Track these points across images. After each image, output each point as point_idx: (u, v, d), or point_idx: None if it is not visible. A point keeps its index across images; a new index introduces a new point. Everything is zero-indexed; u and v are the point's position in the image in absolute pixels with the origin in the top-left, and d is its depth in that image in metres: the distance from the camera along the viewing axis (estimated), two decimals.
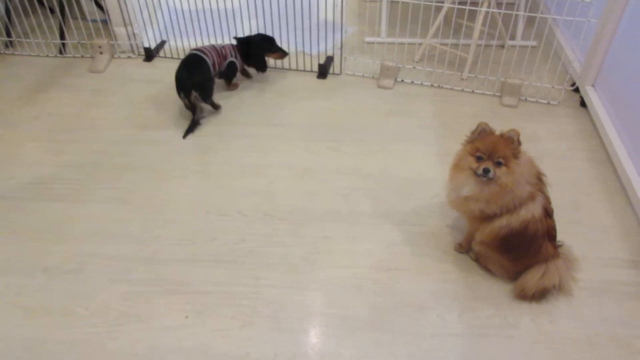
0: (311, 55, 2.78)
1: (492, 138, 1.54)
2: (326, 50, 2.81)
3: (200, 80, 2.33)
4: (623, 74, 2.18)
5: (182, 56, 2.82)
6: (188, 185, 2.09)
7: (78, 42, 2.85)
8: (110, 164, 2.18)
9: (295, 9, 2.57)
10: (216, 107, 2.46)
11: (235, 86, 2.62)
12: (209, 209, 1.98)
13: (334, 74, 2.72)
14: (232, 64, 2.50)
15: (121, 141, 2.30)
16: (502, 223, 1.56)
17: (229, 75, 2.56)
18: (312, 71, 2.72)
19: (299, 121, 2.41)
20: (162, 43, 2.95)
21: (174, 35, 2.85)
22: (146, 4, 2.81)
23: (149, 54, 2.84)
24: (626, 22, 2.16)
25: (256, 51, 2.53)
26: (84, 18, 2.91)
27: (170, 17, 2.86)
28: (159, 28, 2.96)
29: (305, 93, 2.59)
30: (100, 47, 2.77)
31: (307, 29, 2.65)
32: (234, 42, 2.54)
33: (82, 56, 2.85)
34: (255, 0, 2.64)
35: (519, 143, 1.53)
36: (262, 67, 2.58)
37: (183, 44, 2.85)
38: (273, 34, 2.59)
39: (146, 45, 2.84)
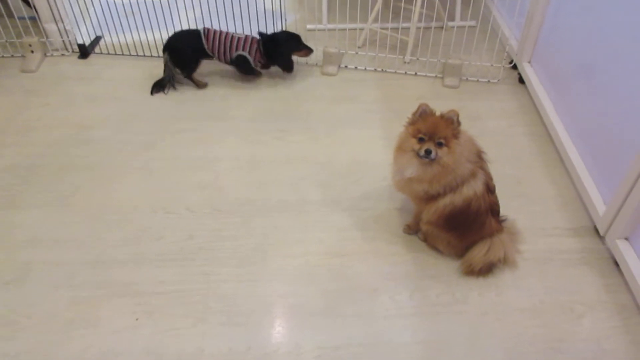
0: None
1: (433, 119, 1.56)
2: None
3: (177, 46, 2.41)
4: (556, 50, 2.25)
5: (118, 52, 2.74)
6: (131, 183, 2.03)
7: (7, 41, 2.71)
8: (48, 167, 2.09)
9: None
10: (197, 84, 2.49)
11: (259, 74, 2.57)
12: (155, 206, 1.93)
13: None
14: (241, 57, 2.44)
15: (58, 142, 2.21)
16: (446, 202, 1.59)
17: (240, 68, 2.51)
18: None
19: (244, 113, 2.38)
20: (98, 39, 2.84)
21: (109, 30, 2.75)
22: None
23: (84, 51, 2.73)
24: None
25: (284, 50, 2.46)
26: (10, 15, 2.76)
27: (104, 12, 2.76)
28: (92, 23, 2.84)
29: (250, 83, 2.56)
30: (30, 45, 2.65)
31: (247, 18, 2.61)
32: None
33: (12, 56, 2.71)
34: None
35: (459, 123, 1.56)
36: (289, 67, 2.52)
37: (119, 39, 2.75)
38: (212, 24, 2.54)
39: (80, 41, 2.73)
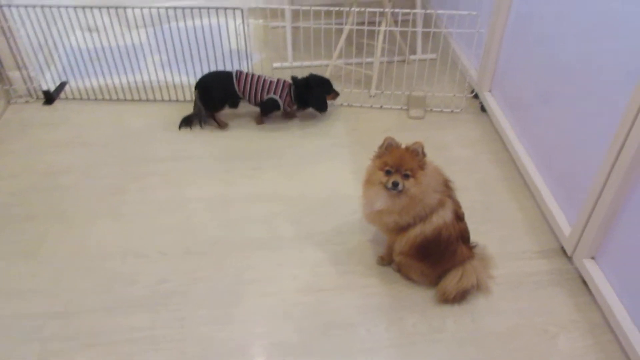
0: None
1: (398, 152, 1.59)
2: None
3: (207, 85, 2.45)
4: (513, 78, 2.34)
5: (84, 97, 2.73)
6: (100, 229, 2.00)
7: None
8: (12, 217, 2.05)
9: (198, 41, 2.55)
10: (219, 124, 2.52)
11: (261, 121, 2.58)
12: (125, 251, 1.90)
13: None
14: (270, 100, 2.47)
15: (23, 191, 2.17)
16: (417, 232, 1.62)
17: (264, 110, 2.53)
18: None
19: (213, 152, 2.39)
20: (63, 84, 2.83)
21: (75, 75, 2.75)
22: (40, 46, 2.68)
23: (49, 97, 2.71)
24: (510, 30, 2.32)
25: (319, 92, 2.51)
26: None
27: (69, 58, 2.76)
28: (57, 69, 2.84)
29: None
30: None
31: (213, 59, 2.64)
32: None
33: None
34: (156, 35, 2.60)
35: (424, 154, 1.59)
36: (324, 107, 2.55)
37: (85, 84, 2.75)
38: (179, 66, 2.57)
39: (45, 87, 2.72)
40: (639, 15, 1.47)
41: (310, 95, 2.50)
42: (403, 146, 1.60)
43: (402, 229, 1.65)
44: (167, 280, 1.80)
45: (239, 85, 2.44)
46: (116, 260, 1.87)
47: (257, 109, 2.54)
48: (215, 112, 2.53)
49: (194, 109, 2.51)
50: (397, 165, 1.57)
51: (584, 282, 1.74)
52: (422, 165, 1.58)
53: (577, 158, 1.82)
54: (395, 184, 1.55)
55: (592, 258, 1.72)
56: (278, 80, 2.47)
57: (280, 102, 2.48)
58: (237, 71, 2.46)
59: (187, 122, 2.52)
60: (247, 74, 2.45)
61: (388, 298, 1.74)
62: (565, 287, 1.76)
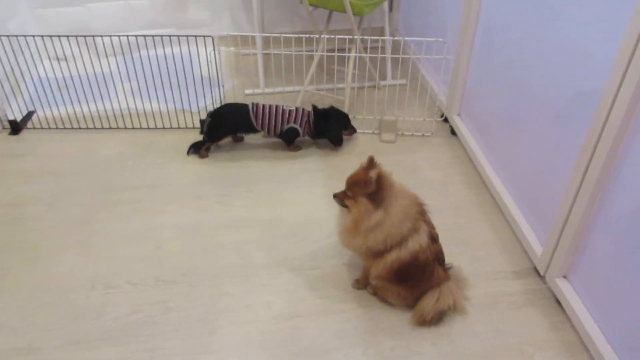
0: (192, 112, 2.76)
1: (358, 171, 1.63)
2: (206, 106, 2.81)
3: (221, 115, 2.44)
4: (481, 102, 2.39)
5: (52, 126, 2.68)
6: (68, 260, 1.94)
7: None
8: None
9: (169, 69, 2.54)
10: (201, 154, 2.50)
11: (298, 148, 2.57)
12: (93, 283, 1.84)
13: None
14: (291, 130, 2.46)
15: None
16: (393, 257, 1.61)
17: (287, 140, 2.52)
18: (195, 128, 2.69)
19: (184, 179, 2.36)
20: (30, 114, 2.78)
21: (42, 104, 2.70)
22: (6, 75, 2.64)
23: (15, 127, 2.66)
24: (476, 56, 2.38)
25: (336, 126, 2.50)
26: None
27: (36, 87, 2.71)
28: (24, 99, 2.79)
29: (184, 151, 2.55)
30: None
31: (185, 87, 2.63)
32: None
33: None
34: (126, 62, 2.58)
35: (369, 185, 1.55)
36: (339, 141, 2.54)
37: (53, 113, 2.70)
38: (149, 94, 2.55)
39: (11, 117, 2.66)
40: (596, 42, 1.53)
41: (329, 127, 2.50)
42: (370, 171, 1.59)
43: (376, 254, 1.64)
44: (138, 311, 1.75)
45: (256, 118, 2.43)
46: (83, 293, 1.81)
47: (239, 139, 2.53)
48: (215, 142, 2.52)
49: (204, 136, 2.51)
50: (348, 183, 1.62)
51: (558, 302, 1.75)
52: (364, 194, 1.56)
53: (545, 179, 1.85)
54: (334, 196, 1.63)
55: (564, 277, 1.74)
56: (297, 109, 2.47)
57: (301, 131, 2.47)
58: (252, 104, 2.44)
59: (195, 147, 2.51)
60: (263, 106, 2.44)
61: (365, 322, 1.72)
62: (540, 306, 1.76)
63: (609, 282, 1.52)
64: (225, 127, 2.48)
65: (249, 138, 2.60)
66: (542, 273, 1.82)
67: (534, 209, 1.95)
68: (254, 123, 2.44)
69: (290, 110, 2.45)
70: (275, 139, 2.56)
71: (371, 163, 1.62)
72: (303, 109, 2.49)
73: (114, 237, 2.05)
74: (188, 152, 2.51)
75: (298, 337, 1.67)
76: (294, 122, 2.45)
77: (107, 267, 1.91)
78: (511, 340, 1.66)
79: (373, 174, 1.56)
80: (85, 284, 1.84)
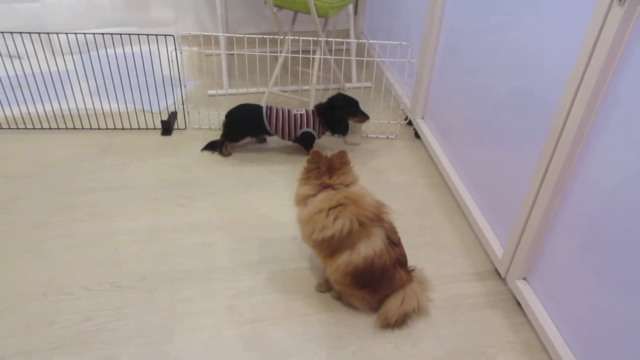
0: (152, 112, 2.69)
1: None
2: (167, 106, 2.75)
3: (235, 116, 2.40)
4: (444, 106, 2.41)
5: (5, 126, 2.58)
6: (20, 266, 1.85)
7: None
8: None
9: (128, 68, 2.47)
10: (223, 153, 2.48)
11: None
12: (46, 289, 1.77)
13: (178, 129, 2.65)
14: (306, 134, 2.40)
15: None
16: (345, 260, 1.59)
17: (303, 144, 2.45)
18: (155, 129, 2.63)
19: (144, 182, 2.29)
20: None
21: None
22: None
23: None
24: (439, 61, 2.40)
25: (341, 114, 2.40)
26: None
27: None
28: None
29: (150, 152, 2.48)
30: None
31: (146, 86, 2.57)
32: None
33: None
34: (83, 61, 2.50)
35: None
36: (344, 130, 2.45)
37: (6, 112, 2.59)
38: (107, 94, 2.47)
39: None
40: (554, 49, 1.56)
41: (332, 117, 2.41)
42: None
43: (324, 251, 1.63)
44: (92, 318, 1.68)
45: (269, 122, 2.37)
46: (35, 300, 1.73)
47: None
48: (233, 142, 2.47)
49: (221, 136, 2.47)
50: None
51: (518, 303, 1.77)
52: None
53: (506, 183, 1.87)
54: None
55: (524, 279, 1.76)
56: (307, 112, 2.41)
57: (315, 134, 2.42)
58: (266, 107, 2.39)
59: (210, 146, 2.48)
60: (277, 110, 2.39)
61: (328, 325, 1.70)
62: (501, 308, 1.78)
63: (567, 284, 1.55)
64: (240, 128, 2.43)
65: (207, 141, 2.54)
66: (503, 275, 1.85)
67: (495, 212, 1.97)
68: (267, 126, 2.39)
69: (301, 115, 2.40)
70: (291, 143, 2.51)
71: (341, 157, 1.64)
72: (313, 111, 2.43)
73: (68, 241, 1.97)
74: (202, 149, 2.49)
75: (260, 341, 1.64)
76: (307, 126, 2.40)
77: (61, 273, 1.83)
78: (473, 342, 1.67)
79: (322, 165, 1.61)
80: (37, 291, 1.76)
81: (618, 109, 1.30)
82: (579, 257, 1.49)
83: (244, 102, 2.46)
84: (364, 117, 2.46)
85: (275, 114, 2.38)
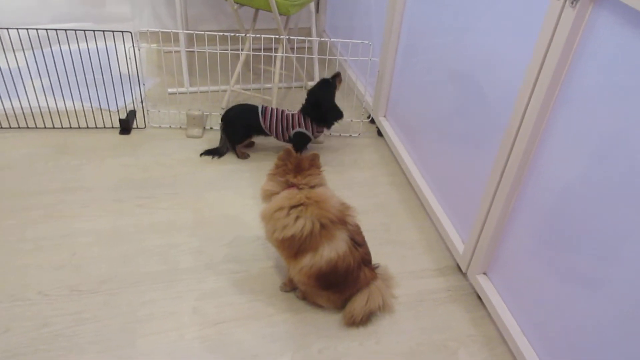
0: (110, 111, 2.62)
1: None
2: (125, 104, 2.68)
3: (230, 118, 2.36)
4: (405, 105, 2.44)
5: None
6: None
7: None
8: None
9: (84, 65, 2.40)
10: (239, 156, 2.46)
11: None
12: None
13: (138, 128, 2.59)
14: (298, 135, 2.35)
15: None
16: (307, 263, 1.59)
17: (297, 147, 2.37)
18: (113, 128, 2.56)
19: (103, 182, 2.23)
20: None
21: None
22: None
23: None
24: (400, 60, 2.43)
25: (327, 107, 2.37)
26: None
27: None
28: None
29: (108, 151, 2.42)
30: None
31: (103, 84, 2.49)
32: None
33: None
34: (36, 58, 2.40)
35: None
36: (339, 115, 2.42)
37: None
38: (62, 91, 2.39)
39: None
40: (509, 50, 1.60)
41: (320, 110, 2.37)
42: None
43: (287, 251, 1.62)
44: (49, 324, 1.63)
45: (264, 121, 2.33)
46: None
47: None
48: (237, 144, 2.42)
49: (220, 140, 2.42)
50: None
51: (479, 297, 1.82)
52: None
53: (466, 181, 1.92)
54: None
55: (484, 274, 1.81)
56: (298, 113, 2.37)
57: (309, 133, 2.38)
58: (262, 107, 2.35)
59: (210, 152, 2.43)
60: (272, 110, 2.35)
61: (294, 325, 1.70)
62: (462, 303, 1.82)
63: (525, 278, 1.60)
64: (239, 128, 2.38)
65: (170, 139, 2.50)
66: (464, 270, 1.89)
67: (456, 209, 2.01)
68: (263, 126, 2.35)
69: (293, 115, 2.37)
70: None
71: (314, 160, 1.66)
72: (300, 113, 2.39)
73: (23, 245, 1.90)
74: (201, 155, 2.44)
75: (225, 343, 1.63)
76: (299, 127, 2.36)
77: (15, 278, 1.77)
78: (436, 336, 1.70)
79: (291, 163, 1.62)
80: None
81: (571, 109, 1.35)
82: (536, 251, 1.53)
83: (241, 103, 2.43)
84: (339, 79, 2.45)
85: (270, 113, 2.35)
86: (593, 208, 1.30)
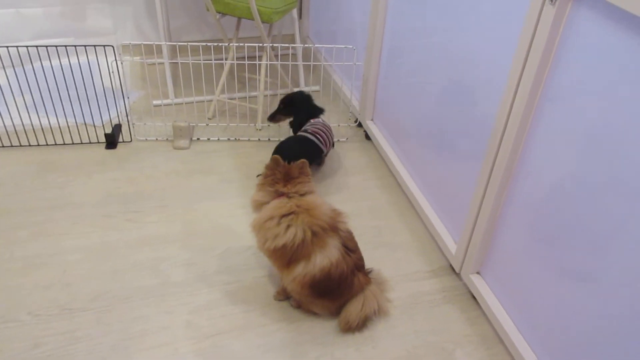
0: (95, 125, 2.60)
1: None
2: (110, 118, 2.66)
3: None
4: (391, 108, 2.44)
5: None
6: None
7: None
8: None
9: (67, 81, 2.37)
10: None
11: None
12: None
13: (124, 142, 2.57)
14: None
15: None
16: (300, 272, 1.58)
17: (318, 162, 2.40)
18: (99, 142, 2.54)
19: (90, 198, 2.21)
20: None
21: None
22: None
23: None
24: (385, 63, 2.43)
25: (304, 106, 2.39)
26: None
27: None
28: None
29: (95, 166, 2.39)
30: None
31: (86, 99, 2.47)
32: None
33: None
34: (17, 75, 2.38)
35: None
36: (318, 111, 2.41)
37: None
38: (45, 108, 2.37)
39: None
40: (493, 50, 1.61)
41: (308, 106, 2.39)
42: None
43: (279, 261, 1.61)
44: (40, 345, 1.60)
45: (325, 146, 2.30)
46: None
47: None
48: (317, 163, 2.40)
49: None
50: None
51: (473, 297, 1.81)
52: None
53: (455, 181, 1.92)
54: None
55: (478, 273, 1.81)
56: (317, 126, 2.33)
57: (321, 145, 2.28)
58: (315, 137, 2.26)
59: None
60: (320, 131, 2.29)
61: (289, 333, 1.69)
62: (457, 303, 1.82)
63: (518, 275, 1.60)
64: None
65: (157, 152, 2.49)
66: (457, 270, 1.89)
67: (447, 210, 2.01)
68: (325, 150, 2.32)
69: (320, 121, 2.36)
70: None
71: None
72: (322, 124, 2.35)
73: (10, 265, 1.87)
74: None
75: (220, 355, 1.61)
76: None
77: (4, 299, 1.74)
78: (432, 339, 1.70)
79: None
80: None
81: (556, 105, 1.35)
82: (529, 249, 1.54)
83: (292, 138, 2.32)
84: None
85: (321, 136, 2.28)
86: (583, 204, 1.30)
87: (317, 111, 2.42)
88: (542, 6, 1.30)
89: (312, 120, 2.37)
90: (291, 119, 2.47)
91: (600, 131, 1.23)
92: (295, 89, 3.01)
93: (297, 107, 2.42)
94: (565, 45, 1.29)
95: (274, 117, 2.47)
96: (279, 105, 2.44)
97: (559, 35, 1.30)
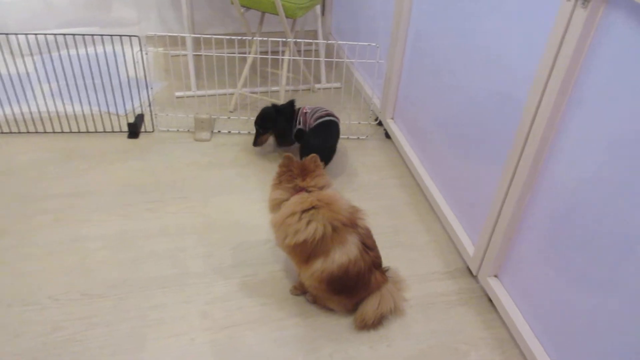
0: (118, 115, 2.63)
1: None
2: (133, 108, 2.69)
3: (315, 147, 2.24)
4: (414, 107, 2.43)
5: None
6: None
7: None
8: None
9: (92, 69, 2.40)
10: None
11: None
12: (10, 300, 1.70)
13: (146, 132, 2.60)
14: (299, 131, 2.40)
15: None
16: (318, 267, 1.59)
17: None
18: (122, 131, 2.57)
19: (112, 186, 2.23)
20: None
21: None
22: None
23: None
24: (408, 62, 2.42)
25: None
26: None
27: None
28: None
29: (117, 155, 2.42)
30: None
31: (110, 88, 2.50)
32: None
33: None
34: (44, 63, 2.41)
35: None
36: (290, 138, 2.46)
37: None
38: (70, 96, 2.40)
39: None
40: (518, 51, 1.59)
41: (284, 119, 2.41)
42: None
43: (298, 256, 1.62)
44: (60, 329, 1.63)
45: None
46: None
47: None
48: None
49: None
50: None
51: (490, 300, 1.80)
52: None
53: (476, 182, 1.90)
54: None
55: (495, 276, 1.79)
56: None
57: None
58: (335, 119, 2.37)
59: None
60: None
61: (303, 328, 1.69)
62: (473, 305, 1.81)
63: (536, 280, 1.58)
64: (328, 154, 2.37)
65: (179, 143, 2.50)
66: (474, 273, 1.87)
67: (466, 211, 2.00)
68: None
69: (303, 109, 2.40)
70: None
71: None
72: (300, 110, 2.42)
73: (33, 250, 1.90)
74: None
75: (235, 347, 1.62)
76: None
77: (26, 283, 1.77)
78: (447, 339, 1.69)
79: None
80: (1, 301, 1.69)
81: (584, 110, 1.33)
82: (548, 254, 1.52)
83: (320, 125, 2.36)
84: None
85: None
86: (606, 210, 1.29)
87: (289, 108, 2.41)
88: (573, 9, 1.28)
89: (305, 111, 2.38)
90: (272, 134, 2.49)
91: (628, 137, 1.21)
92: (317, 85, 3.01)
93: (272, 121, 2.40)
94: (596, 50, 1.27)
95: (257, 141, 2.47)
96: (256, 129, 2.44)
97: (589, 38, 1.28)
